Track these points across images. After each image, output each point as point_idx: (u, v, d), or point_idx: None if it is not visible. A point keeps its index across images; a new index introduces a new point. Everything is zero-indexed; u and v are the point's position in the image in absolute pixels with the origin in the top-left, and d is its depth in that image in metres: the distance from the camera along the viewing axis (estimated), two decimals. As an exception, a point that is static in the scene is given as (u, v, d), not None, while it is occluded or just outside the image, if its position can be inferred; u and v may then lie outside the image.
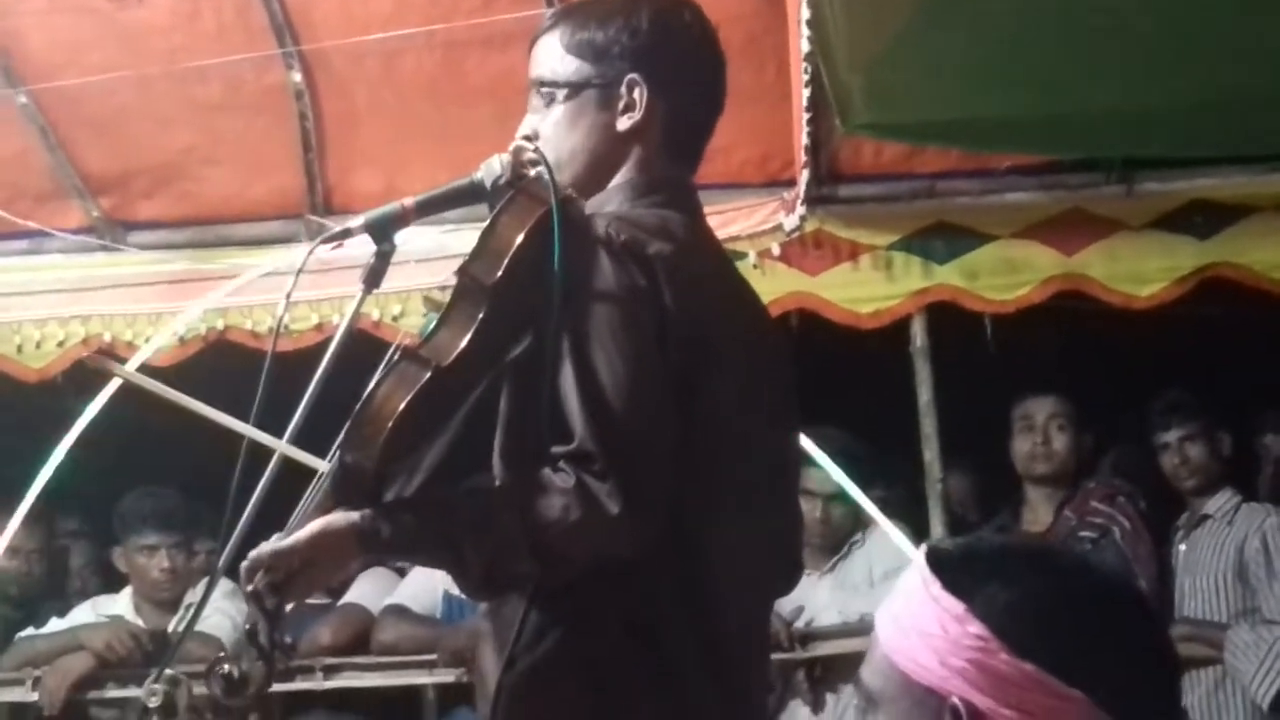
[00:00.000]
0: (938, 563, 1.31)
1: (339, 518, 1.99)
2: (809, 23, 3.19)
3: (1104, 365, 4.40)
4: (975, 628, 1.25)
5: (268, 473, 2.01)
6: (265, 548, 1.98)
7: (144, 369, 4.16)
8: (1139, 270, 4.00)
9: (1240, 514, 4.03)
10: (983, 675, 1.26)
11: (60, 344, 4.27)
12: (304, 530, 2.00)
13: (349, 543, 1.99)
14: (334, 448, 1.99)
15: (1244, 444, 4.31)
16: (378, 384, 1.97)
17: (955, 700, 1.26)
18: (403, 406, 1.94)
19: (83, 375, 4.29)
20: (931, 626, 1.28)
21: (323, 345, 2.12)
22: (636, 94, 2.07)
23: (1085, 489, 4.13)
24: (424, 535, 2.03)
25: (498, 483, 2.04)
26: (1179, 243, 4.00)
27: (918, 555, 1.35)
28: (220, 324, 4.22)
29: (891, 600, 1.35)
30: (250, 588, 1.99)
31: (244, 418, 2.16)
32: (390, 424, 1.95)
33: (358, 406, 1.95)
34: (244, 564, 2.00)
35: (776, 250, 4.06)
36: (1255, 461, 4.40)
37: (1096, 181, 4.03)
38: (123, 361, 4.28)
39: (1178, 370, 4.26)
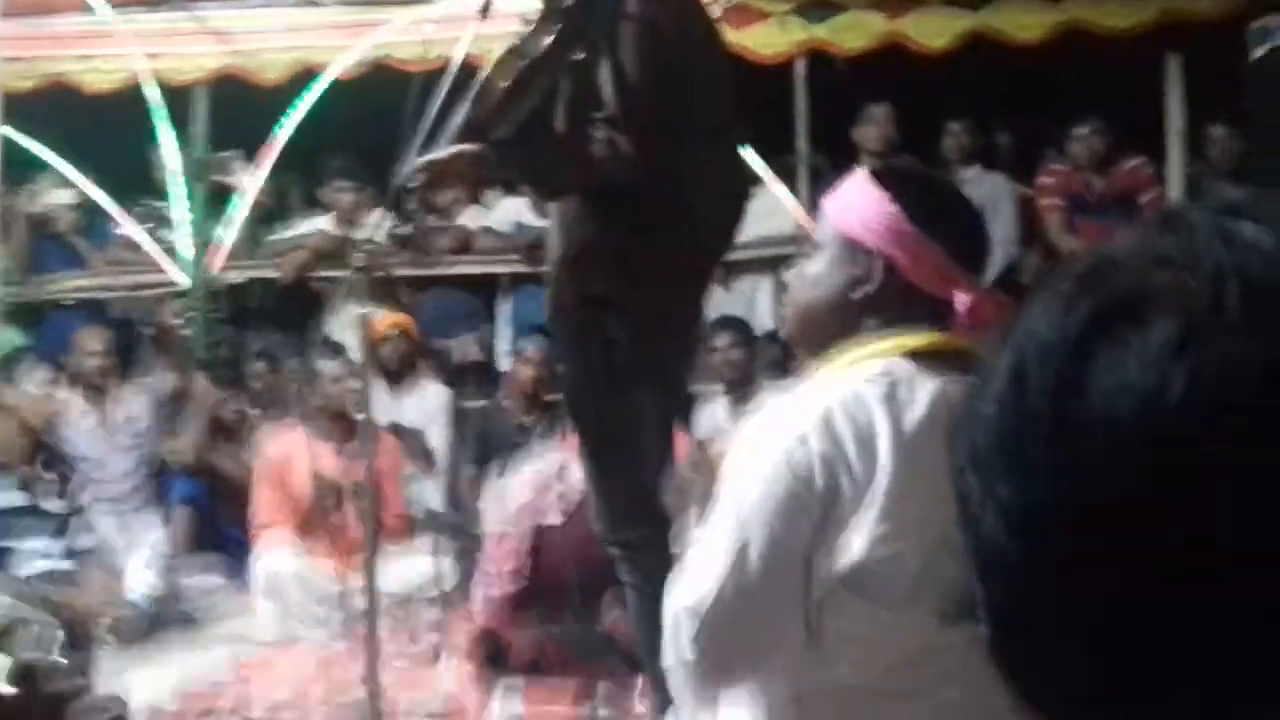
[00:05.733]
0: (870, 174, 1.62)
1: (467, 147, 2.44)
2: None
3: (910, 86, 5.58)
4: (893, 208, 1.56)
5: (426, 117, 2.47)
6: (422, 160, 2.46)
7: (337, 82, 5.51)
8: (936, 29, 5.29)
9: (985, 181, 5.46)
10: (893, 235, 1.56)
11: (286, 61, 5.56)
12: (445, 152, 2.45)
13: (472, 162, 2.48)
14: (465, 106, 2.45)
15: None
16: (491, 72, 2.41)
17: (873, 248, 1.57)
18: (506, 84, 2.38)
19: (297, 80, 5.53)
20: (865, 206, 1.57)
21: (444, 67, 2.70)
22: None
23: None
24: (518, 163, 2.54)
25: (560, 131, 2.41)
26: (959, 13, 5.29)
27: (860, 170, 1.65)
28: (384, 54, 5.42)
29: (838, 193, 1.62)
30: (413, 184, 2.47)
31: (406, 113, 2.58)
32: (499, 95, 2.38)
33: (478, 85, 2.40)
34: (409, 168, 2.45)
35: (718, 13, 5.07)
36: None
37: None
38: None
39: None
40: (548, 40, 2.36)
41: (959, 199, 1.74)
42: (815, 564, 1.46)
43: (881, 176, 1.60)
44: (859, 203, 1.58)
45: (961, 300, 1.55)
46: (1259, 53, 4.76)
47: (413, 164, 2.47)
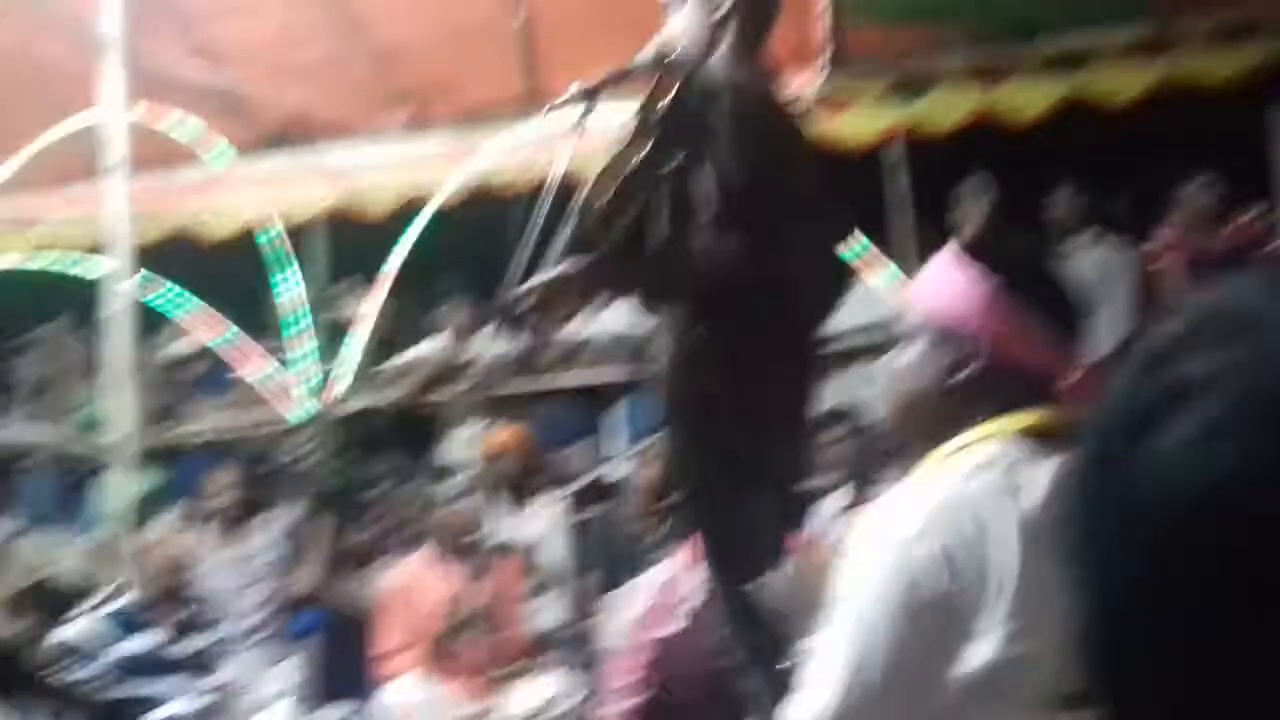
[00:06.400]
0: (956, 253, 1.56)
1: (573, 266, 2.49)
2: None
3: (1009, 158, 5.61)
4: (984, 285, 1.49)
5: (530, 236, 2.53)
6: (531, 282, 2.51)
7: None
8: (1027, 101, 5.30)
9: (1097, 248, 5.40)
10: (988, 312, 1.49)
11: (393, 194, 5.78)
12: (552, 273, 2.50)
13: (579, 281, 2.50)
14: (571, 210, 2.47)
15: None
16: (590, 188, 2.45)
17: (968, 329, 1.50)
18: (605, 200, 2.44)
19: (408, 212, 5.73)
20: (956, 286, 1.51)
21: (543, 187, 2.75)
22: None
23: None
24: (624, 277, 2.50)
25: (664, 240, 2.43)
26: (1053, 79, 5.25)
27: (946, 249, 1.57)
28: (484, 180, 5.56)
29: (926, 277, 1.58)
30: (521, 310, 2.52)
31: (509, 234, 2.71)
32: (600, 211, 2.44)
33: (579, 202, 2.44)
34: (516, 293, 2.50)
35: (810, 103, 5.23)
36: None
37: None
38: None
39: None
40: (643, 153, 2.41)
41: (1051, 268, 1.68)
42: (938, 671, 1.38)
43: (969, 253, 1.54)
44: (949, 283, 1.52)
45: (1067, 374, 1.48)
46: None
47: (522, 287, 2.51)
